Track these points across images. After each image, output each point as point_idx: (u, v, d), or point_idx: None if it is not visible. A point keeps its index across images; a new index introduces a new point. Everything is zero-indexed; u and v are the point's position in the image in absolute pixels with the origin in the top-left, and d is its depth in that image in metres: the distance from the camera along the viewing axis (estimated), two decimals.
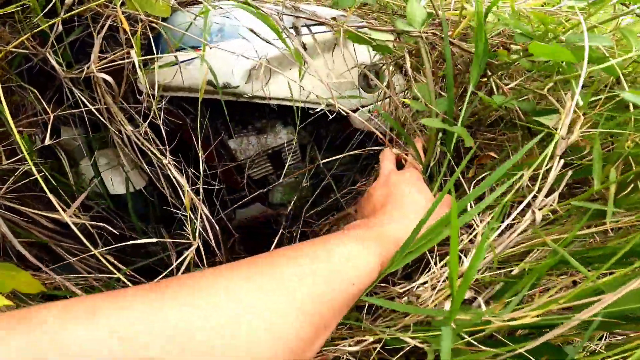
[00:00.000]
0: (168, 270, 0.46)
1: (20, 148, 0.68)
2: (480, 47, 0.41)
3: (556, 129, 0.38)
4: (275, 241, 0.69)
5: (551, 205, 0.37)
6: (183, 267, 0.44)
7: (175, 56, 0.54)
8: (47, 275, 0.61)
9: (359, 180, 0.92)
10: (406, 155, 0.55)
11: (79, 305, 0.21)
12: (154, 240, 0.44)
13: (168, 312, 0.22)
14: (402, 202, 0.40)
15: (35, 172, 0.36)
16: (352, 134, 0.85)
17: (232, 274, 0.26)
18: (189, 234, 0.46)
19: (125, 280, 0.50)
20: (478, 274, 0.37)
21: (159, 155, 0.52)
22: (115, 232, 0.60)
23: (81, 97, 0.52)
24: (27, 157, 0.39)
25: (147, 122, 0.53)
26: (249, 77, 0.64)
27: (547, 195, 0.37)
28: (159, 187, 0.81)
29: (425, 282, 0.36)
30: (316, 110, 0.70)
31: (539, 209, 0.36)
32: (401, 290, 0.37)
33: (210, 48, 0.56)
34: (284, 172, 0.88)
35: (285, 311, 0.24)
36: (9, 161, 0.50)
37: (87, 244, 0.38)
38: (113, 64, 0.49)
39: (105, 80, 0.50)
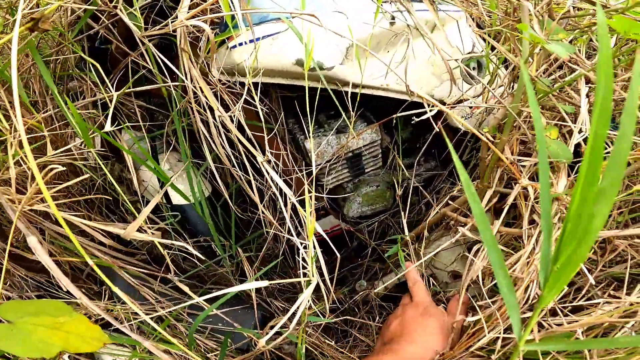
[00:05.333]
0: (289, 314, 0.33)
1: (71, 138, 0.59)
2: None
3: None
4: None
5: None
6: (301, 309, 0.31)
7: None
8: (106, 304, 0.50)
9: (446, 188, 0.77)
10: None
11: None
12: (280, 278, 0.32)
13: None
14: (414, 334, 0.47)
15: (102, 167, 0.25)
16: (445, 134, 0.71)
17: None
18: (307, 269, 0.34)
19: (203, 303, 0.37)
20: None
21: (252, 150, 0.41)
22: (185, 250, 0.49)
23: (163, 59, 0.42)
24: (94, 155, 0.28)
25: (241, 101, 0.42)
26: (346, 57, 0.53)
27: None
28: (223, 196, 0.71)
29: None
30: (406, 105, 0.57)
31: None
32: None
33: (293, 17, 0.46)
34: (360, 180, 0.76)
35: None
36: (58, 152, 0.40)
37: (175, 268, 0.27)
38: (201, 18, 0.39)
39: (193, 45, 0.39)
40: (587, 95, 0.34)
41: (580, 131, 0.32)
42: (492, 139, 0.40)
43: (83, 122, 0.36)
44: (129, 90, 0.53)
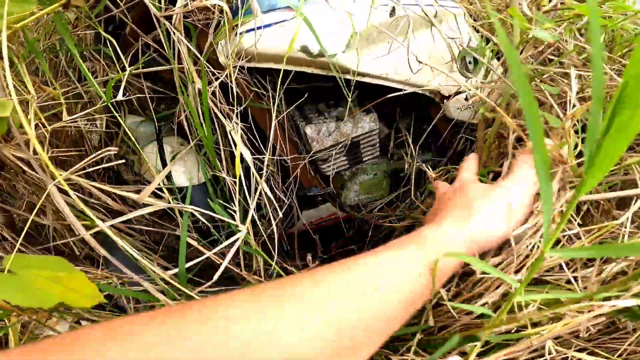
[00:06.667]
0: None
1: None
2: None
3: None
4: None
5: None
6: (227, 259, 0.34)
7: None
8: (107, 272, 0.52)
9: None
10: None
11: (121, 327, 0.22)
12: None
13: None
14: (469, 204, 0.35)
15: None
16: (440, 124, 0.74)
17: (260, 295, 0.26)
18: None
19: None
20: None
21: (221, 117, 0.43)
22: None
23: (176, 33, 0.43)
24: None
25: (219, 80, 0.44)
26: (348, 45, 0.55)
27: None
28: (224, 180, 0.73)
29: None
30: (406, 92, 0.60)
31: None
32: None
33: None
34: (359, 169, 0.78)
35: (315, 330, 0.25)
36: (74, 116, 0.41)
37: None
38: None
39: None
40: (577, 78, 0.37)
41: (574, 106, 0.34)
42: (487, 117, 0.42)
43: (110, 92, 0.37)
44: (138, 71, 0.55)
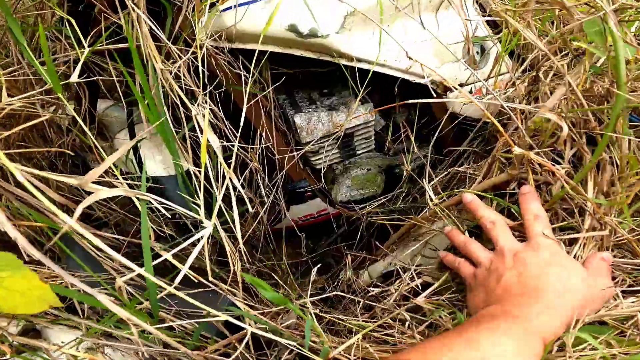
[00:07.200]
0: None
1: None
2: None
3: None
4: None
5: None
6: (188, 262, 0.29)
7: None
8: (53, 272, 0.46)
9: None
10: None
11: None
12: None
13: None
14: (545, 288, 0.37)
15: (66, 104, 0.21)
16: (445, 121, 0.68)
17: None
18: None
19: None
20: None
21: (185, 100, 0.37)
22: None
23: (135, 10, 0.37)
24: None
25: (187, 55, 0.38)
26: (343, 26, 0.49)
27: None
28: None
29: None
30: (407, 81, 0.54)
31: None
32: None
33: None
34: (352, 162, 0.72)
35: None
36: (15, 99, 0.35)
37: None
38: None
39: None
40: None
41: None
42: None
43: (52, 67, 0.32)
44: (100, 47, 0.48)
